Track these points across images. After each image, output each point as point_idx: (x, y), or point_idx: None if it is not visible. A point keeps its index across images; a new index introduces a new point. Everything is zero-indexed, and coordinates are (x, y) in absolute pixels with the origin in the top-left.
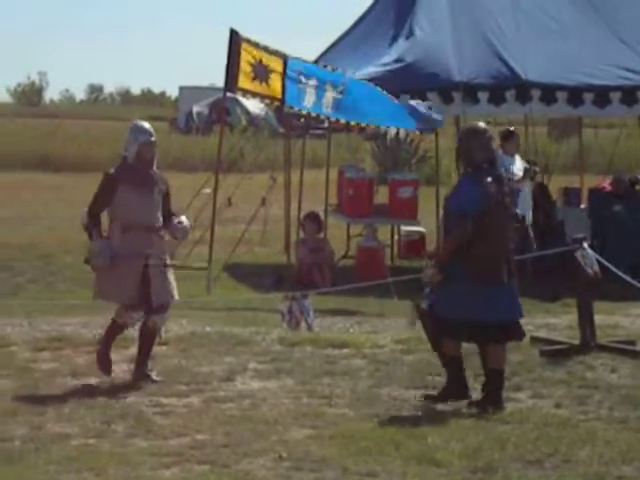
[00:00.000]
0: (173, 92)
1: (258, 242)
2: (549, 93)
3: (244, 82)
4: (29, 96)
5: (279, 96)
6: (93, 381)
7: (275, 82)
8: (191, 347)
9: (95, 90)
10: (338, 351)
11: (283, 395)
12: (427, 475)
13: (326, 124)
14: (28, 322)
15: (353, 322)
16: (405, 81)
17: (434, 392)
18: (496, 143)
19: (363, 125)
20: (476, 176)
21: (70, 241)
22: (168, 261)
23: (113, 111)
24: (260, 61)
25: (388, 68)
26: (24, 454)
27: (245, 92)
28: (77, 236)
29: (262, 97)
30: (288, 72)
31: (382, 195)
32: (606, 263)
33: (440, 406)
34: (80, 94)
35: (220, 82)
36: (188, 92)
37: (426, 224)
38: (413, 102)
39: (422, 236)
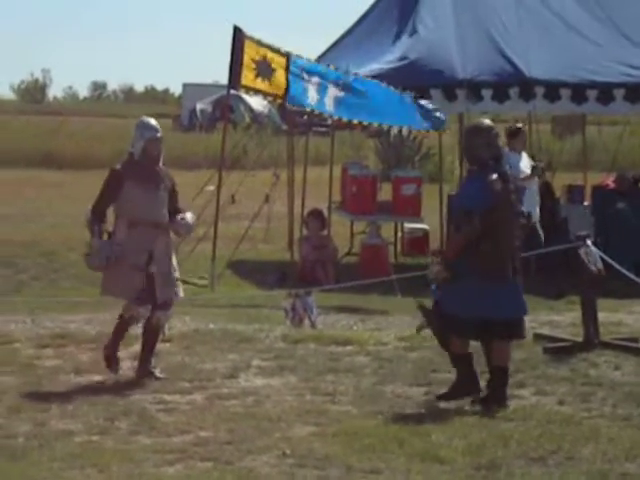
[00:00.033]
0: (176, 89)
1: (261, 239)
2: (553, 90)
3: (247, 79)
4: (32, 93)
5: (282, 93)
6: (96, 378)
7: (278, 79)
8: (194, 344)
9: (98, 87)
10: (341, 348)
11: (286, 392)
12: (431, 472)
13: (329, 121)
14: (31, 319)
15: (357, 319)
16: (408, 78)
17: (444, 390)
18: (502, 140)
19: (365, 124)
20: (482, 173)
21: (73, 238)
22: (174, 259)
23: (116, 108)
24: (264, 58)
25: (391, 65)
26: (28, 451)
27: (248, 89)
28: (80, 233)
29: (265, 94)
30: (291, 69)
31: (385, 192)
32: (610, 260)
33: (443, 403)
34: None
35: (223, 79)
36: (191, 89)
37: (429, 221)
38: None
39: (425, 233)
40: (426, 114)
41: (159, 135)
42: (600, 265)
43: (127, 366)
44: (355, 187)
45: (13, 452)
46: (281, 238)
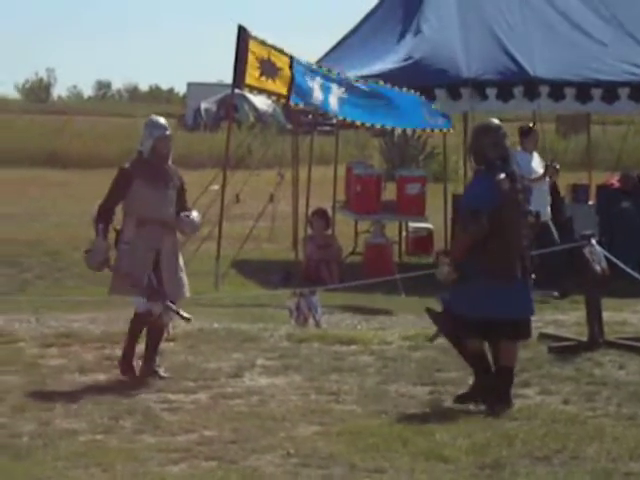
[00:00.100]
0: (181, 89)
1: (266, 238)
2: (557, 89)
3: (251, 79)
4: (37, 92)
5: (285, 93)
6: (101, 377)
7: (282, 79)
8: (199, 343)
9: (103, 87)
10: (346, 348)
11: (291, 391)
12: (435, 471)
13: (334, 120)
14: (36, 318)
15: (361, 319)
16: (413, 78)
17: (462, 390)
18: (510, 140)
19: (368, 125)
20: (489, 173)
21: (78, 237)
22: (180, 258)
23: (121, 108)
24: (268, 58)
25: (396, 65)
26: (32, 450)
27: (252, 88)
28: (85, 232)
29: (269, 94)
30: (295, 69)
31: (390, 191)
32: (614, 259)
33: (448, 403)
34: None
35: (228, 79)
36: (196, 89)
37: (434, 221)
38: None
39: (430, 232)
40: (431, 113)
41: (168, 133)
42: (604, 264)
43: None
44: (359, 186)
45: (17, 451)
46: (285, 237)
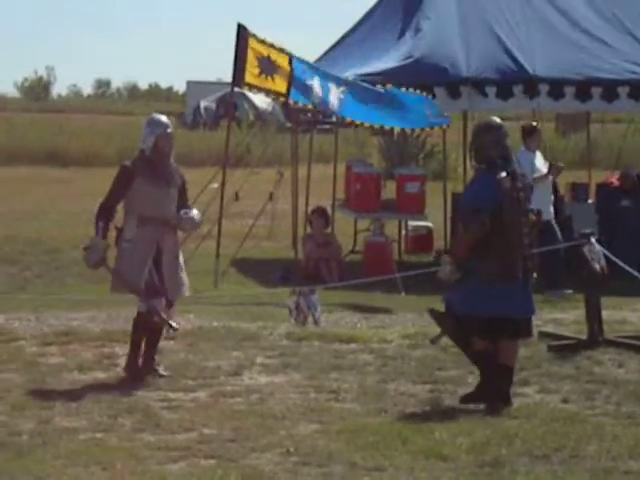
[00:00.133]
0: (180, 87)
1: (265, 237)
2: (557, 88)
3: (251, 77)
4: (37, 91)
5: (284, 91)
6: (100, 375)
7: (281, 77)
8: (198, 342)
9: (102, 85)
10: (345, 346)
11: (290, 390)
12: (434, 470)
13: (334, 119)
14: (36, 317)
15: (360, 317)
16: (413, 76)
17: (469, 391)
18: (511, 139)
19: (367, 125)
20: (490, 171)
21: (78, 236)
22: (180, 256)
23: (120, 106)
24: (267, 56)
25: (396, 63)
26: (32, 448)
27: (252, 87)
28: (85, 231)
29: (268, 92)
30: (294, 67)
31: (389, 190)
32: (614, 258)
33: (448, 401)
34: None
35: (227, 77)
36: (195, 87)
37: (433, 219)
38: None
39: (429, 231)
40: (432, 110)
41: (170, 131)
42: (603, 263)
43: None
44: (359, 185)
45: (17, 449)
46: (285, 236)
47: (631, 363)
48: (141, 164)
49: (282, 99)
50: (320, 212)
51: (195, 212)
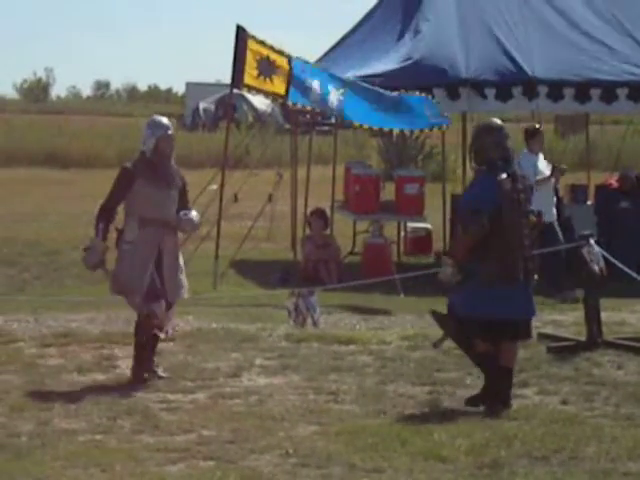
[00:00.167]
0: (180, 88)
1: (264, 238)
2: (556, 89)
3: (250, 78)
4: (36, 92)
5: (282, 92)
6: (99, 377)
7: (279, 78)
8: (197, 343)
9: (101, 86)
10: (344, 347)
11: (289, 391)
12: (433, 471)
13: (333, 120)
14: (34, 318)
15: (359, 318)
16: (412, 78)
17: (473, 393)
18: (512, 140)
19: (366, 127)
20: (490, 173)
21: (77, 237)
22: (181, 258)
23: (120, 107)
24: (266, 57)
25: (395, 65)
26: (31, 450)
27: (251, 88)
28: (84, 232)
29: (267, 94)
30: (293, 68)
31: (388, 191)
32: (612, 259)
33: (447, 403)
34: (87, 90)
35: (226, 78)
36: (194, 88)
37: (432, 221)
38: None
39: (428, 232)
40: (432, 111)
41: (170, 133)
42: (602, 264)
43: (129, 365)
44: (358, 186)
45: (16, 451)
46: (284, 237)
47: (630, 365)
48: (142, 166)
49: (280, 101)
50: (319, 213)
51: (194, 214)
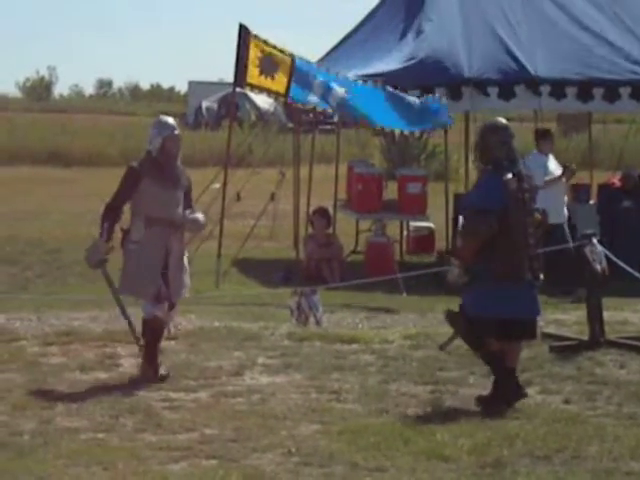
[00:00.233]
0: (182, 87)
1: (267, 237)
2: (559, 88)
3: (253, 77)
4: (38, 91)
5: (283, 91)
6: (102, 376)
7: (281, 77)
8: (200, 342)
9: (104, 85)
10: (347, 346)
11: (292, 390)
12: (436, 471)
13: (335, 119)
14: (37, 317)
15: (362, 317)
16: (415, 77)
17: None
18: (515, 139)
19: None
20: (496, 173)
21: (79, 236)
22: (185, 258)
23: (122, 106)
24: (268, 56)
25: (398, 64)
26: (33, 448)
27: (253, 87)
28: (87, 231)
29: (269, 92)
30: (296, 67)
31: (391, 191)
32: (615, 259)
33: (449, 402)
34: (89, 89)
35: (229, 77)
36: (197, 87)
37: (435, 220)
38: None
39: (431, 232)
40: (430, 113)
41: (177, 133)
42: (605, 264)
43: (132, 364)
44: (361, 185)
45: (19, 449)
46: (286, 236)
47: (632, 364)
48: (148, 165)
49: (281, 99)
50: (322, 212)
51: (200, 215)
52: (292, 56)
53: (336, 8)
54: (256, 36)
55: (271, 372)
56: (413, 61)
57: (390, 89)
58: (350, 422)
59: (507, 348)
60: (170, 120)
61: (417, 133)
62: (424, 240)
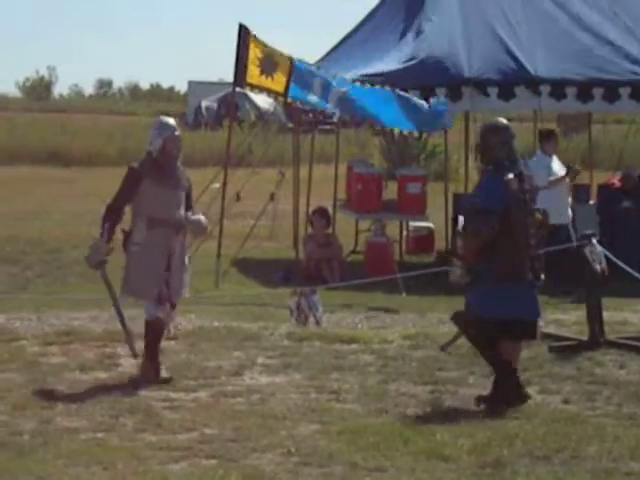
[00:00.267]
0: (182, 87)
1: (267, 237)
2: (558, 88)
3: (252, 77)
4: (38, 91)
5: (282, 90)
6: (102, 375)
7: (281, 76)
8: (199, 342)
9: (104, 85)
10: (346, 346)
11: (291, 390)
12: (436, 470)
13: (335, 119)
14: (37, 316)
15: (361, 317)
16: (415, 77)
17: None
18: (515, 139)
19: (368, 126)
20: (497, 173)
21: (79, 235)
22: (187, 259)
23: (122, 106)
24: (268, 55)
25: (398, 65)
26: (33, 448)
27: (253, 87)
28: (87, 231)
29: (269, 92)
30: (295, 67)
31: (391, 190)
32: (614, 259)
33: (449, 402)
34: (89, 89)
35: (229, 77)
36: (197, 87)
37: (435, 220)
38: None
39: (431, 232)
40: (429, 115)
41: (177, 134)
42: (604, 264)
43: (132, 364)
44: (360, 185)
45: (19, 449)
46: (286, 236)
47: (632, 364)
48: (149, 166)
49: (281, 98)
50: (321, 212)
51: (202, 217)
52: (291, 57)
53: (336, 8)
54: (256, 36)
55: (271, 372)
56: (413, 61)
57: (398, 91)
58: (349, 422)
59: (506, 348)
60: (171, 121)
61: (416, 133)
62: (424, 240)
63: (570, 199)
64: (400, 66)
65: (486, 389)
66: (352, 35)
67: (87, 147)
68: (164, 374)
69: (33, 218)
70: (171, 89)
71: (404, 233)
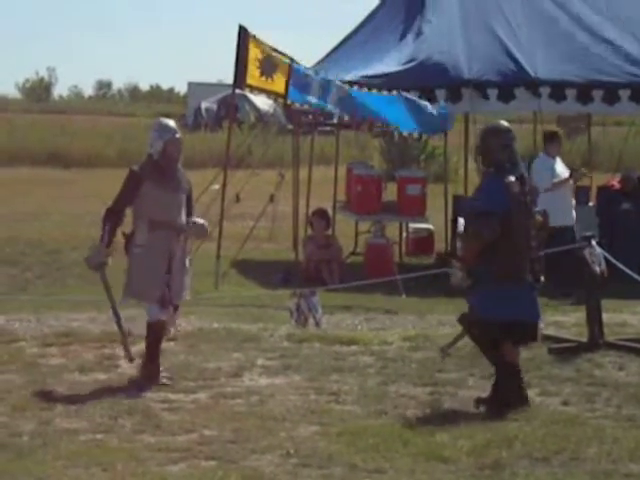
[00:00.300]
0: (182, 88)
1: (266, 238)
2: (558, 90)
3: (252, 78)
4: (38, 92)
5: (282, 92)
6: (101, 377)
7: (280, 77)
8: (199, 343)
9: (103, 86)
10: (346, 348)
11: (291, 391)
12: (435, 472)
13: (335, 120)
14: (36, 318)
15: (361, 319)
16: (415, 78)
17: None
18: (516, 141)
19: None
20: (498, 175)
21: (79, 237)
22: (188, 261)
23: (122, 107)
24: (268, 56)
25: (398, 66)
26: (32, 449)
27: (253, 88)
28: (86, 232)
29: (269, 93)
30: (295, 68)
31: (390, 192)
32: (614, 261)
33: (448, 403)
34: (88, 90)
35: (228, 78)
36: (197, 88)
37: (434, 221)
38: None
39: (430, 233)
40: (429, 117)
41: (178, 136)
42: (604, 266)
43: (131, 365)
44: (360, 187)
45: (18, 450)
46: (286, 237)
47: (631, 366)
48: (149, 168)
49: (281, 100)
50: (321, 214)
51: (202, 220)
52: (291, 59)
53: (336, 9)
54: (256, 37)
55: (270, 373)
56: (413, 63)
57: (404, 93)
58: (349, 423)
59: (507, 349)
60: (171, 123)
61: (416, 134)
62: (423, 242)
63: (574, 201)
64: (400, 67)
65: (485, 391)
66: (352, 36)
67: (87, 148)
68: (164, 381)
69: (33, 219)
70: (171, 90)
71: (404, 235)
